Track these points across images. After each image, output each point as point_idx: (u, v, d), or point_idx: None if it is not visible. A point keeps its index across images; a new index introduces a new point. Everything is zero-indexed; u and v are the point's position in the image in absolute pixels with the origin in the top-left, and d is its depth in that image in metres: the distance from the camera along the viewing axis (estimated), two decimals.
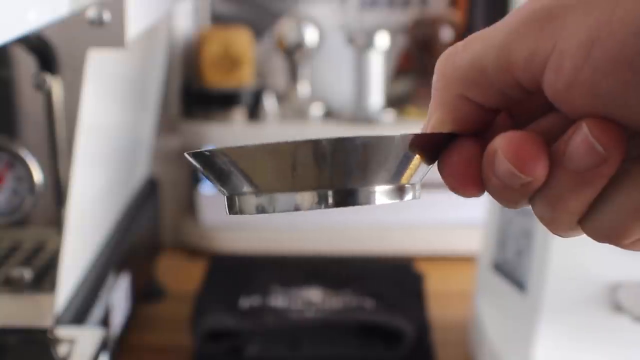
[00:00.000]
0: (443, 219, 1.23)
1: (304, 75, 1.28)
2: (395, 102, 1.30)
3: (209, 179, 0.32)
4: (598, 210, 0.29)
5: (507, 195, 0.30)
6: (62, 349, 0.68)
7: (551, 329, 0.82)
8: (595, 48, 0.26)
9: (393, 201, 0.31)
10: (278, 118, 1.26)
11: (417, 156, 0.31)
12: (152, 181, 1.13)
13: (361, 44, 1.23)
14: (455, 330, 1.02)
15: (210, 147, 0.31)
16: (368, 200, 0.31)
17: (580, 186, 0.28)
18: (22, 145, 0.76)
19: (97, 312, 0.79)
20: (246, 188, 0.31)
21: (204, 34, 1.28)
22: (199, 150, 0.31)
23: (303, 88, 1.28)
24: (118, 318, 0.88)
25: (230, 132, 1.24)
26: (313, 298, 1.00)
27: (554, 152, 0.28)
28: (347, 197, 0.31)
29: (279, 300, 0.99)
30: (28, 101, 0.85)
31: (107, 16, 0.67)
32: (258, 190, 0.31)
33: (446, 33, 1.27)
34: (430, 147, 0.31)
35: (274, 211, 0.31)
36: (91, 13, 0.67)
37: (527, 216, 0.86)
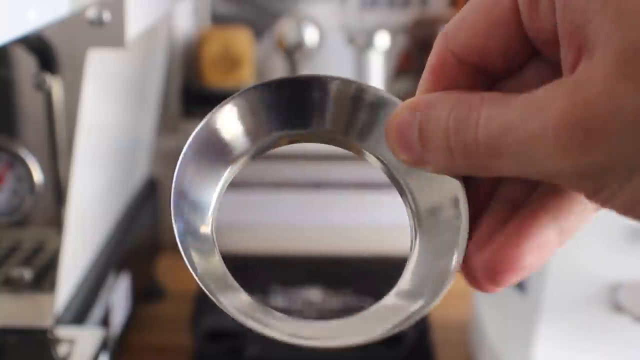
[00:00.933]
0: None
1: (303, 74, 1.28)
2: None
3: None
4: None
5: None
6: (62, 349, 0.68)
7: (551, 329, 0.82)
8: None
9: None
10: None
11: None
12: (152, 181, 1.13)
13: (361, 44, 1.23)
14: (455, 330, 1.02)
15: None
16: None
17: None
18: (22, 145, 0.76)
19: (97, 312, 0.79)
20: None
21: (204, 34, 1.28)
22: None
23: None
24: (118, 318, 0.88)
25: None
26: (313, 298, 1.00)
27: None
28: None
29: (279, 300, 0.99)
30: (28, 101, 0.85)
31: (107, 16, 0.67)
32: None
33: None
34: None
35: None
36: (91, 13, 0.67)
37: None
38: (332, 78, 0.32)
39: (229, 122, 0.32)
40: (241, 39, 1.26)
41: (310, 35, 1.26)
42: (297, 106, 0.32)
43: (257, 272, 1.09)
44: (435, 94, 0.29)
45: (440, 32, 0.31)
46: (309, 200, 1.25)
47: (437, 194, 0.31)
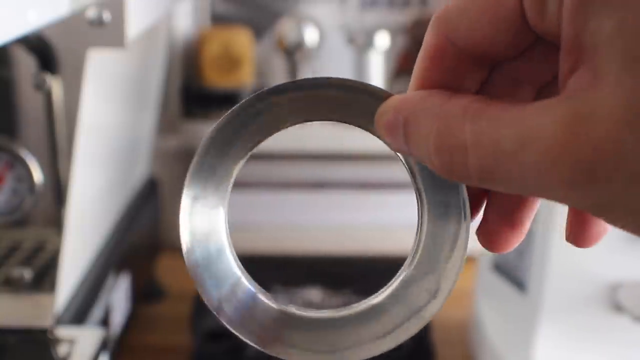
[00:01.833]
0: None
1: (304, 75, 1.28)
2: None
3: None
4: None
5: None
6: (62, 349, 0.68)
7: (551, 329, 0.82)
8: None
9: None
10: None
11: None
12: (152, 181, 1.13)
13: (361, 44, 1.23)
14: (456, 330, 1.02)
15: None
16: None
17: None
18: (22, 145, 0.76)
19: (97, 312, 0.79)
20: None
21: (204, 34, 1.28)
22: None
23: None
24: (118, 318, 0.88)
25: None
26: (313, 298, 1.00)
27: None
28: None
29: (279, 300, 0.99)
30: (28, 101, 0.85)
31: (107, 16, 0.67)
32: None
33: None
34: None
35: None
36: (91, 13, 0.67)
37: None
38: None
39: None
40: (241, 39, 1.26)
41: (310, 35, 1.26)
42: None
43: (258, 272, 1.08)
44: (418, 97, 0.29)
45: (435, 16, 0.30)
46: (310, 200, 1.25)
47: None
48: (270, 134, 0.32)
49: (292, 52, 1.26)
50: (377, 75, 1.25)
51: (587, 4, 0.24)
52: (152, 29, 0.90)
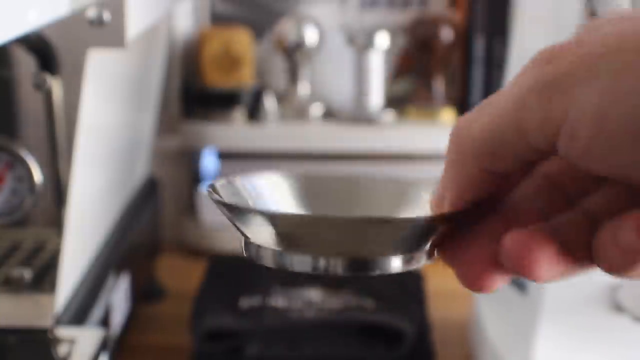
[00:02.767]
0: None
1: (304, 75, 1.28)
2: (395, 102, 1.30)
3: (232, 222, 0.33)
4: None
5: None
6: (62, 349, 0.68)
7: (551, 329, 0.82)
8: (606, 119, 0.26)
9: (405, 269, 0.32)
10: (278, 118, 1.26)
11: (435, 232, 0.32)
12: (152, 181, 1.13)
13: (361, 44, 1.23)
14: (456, 330, 1.02)
15: (245, 204, 0.33)
16: (383, 270, 0.32)
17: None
18: (22, 145, 0.76)
19: (97, 312, 0.79)
20: (272, 245, 0.32)
21: (204, 33, 1.28)
22: (236, 205, 0.33)
23: (303, 88, 1.28)
24: (118, 318, 0.88)
25: (230, 132, 1.24)
26: (313, 298, 1.00)
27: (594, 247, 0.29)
28: (363, 266, 0.32)
29: (279, 300, 0.99)
30: (28, 101, 0.85)
31: (107, 16, 0.67)
32: (283, 251, 0.32)
33: (446, 33, 1.27)
34: (449, 223, 0.32)
35: (292, 269, 0.32)
36: (91, 13, 0.67)
37: None
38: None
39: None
40: (241, 39, 1.26)
41: (310, 35, 1.26)
42: None
43: (257, 272, 1.08)
44: None
45: (460, 134, 0.31)
46: None
47: None
48: None
49: (292, 52, 1.26)
50: (377, 75, 1.25)
51: None
52: (152, 29, 0.90)
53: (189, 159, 1.31)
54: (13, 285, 0.72)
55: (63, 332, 0.69)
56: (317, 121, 1.27)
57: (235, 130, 1.24)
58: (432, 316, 1.01)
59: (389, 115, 1.25)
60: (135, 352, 0.96)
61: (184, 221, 1.28)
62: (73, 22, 0.65)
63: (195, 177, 1.30)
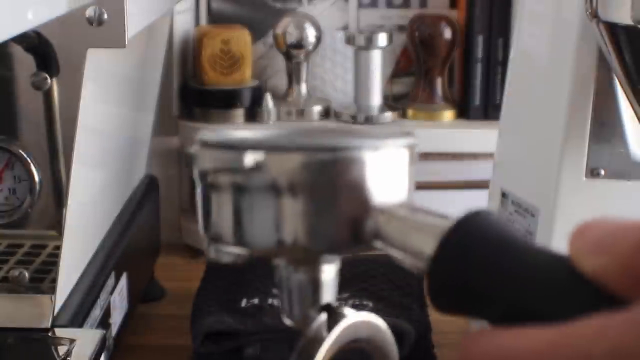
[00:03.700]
0: None
1: (303, 75, 1.28)
2: (395, 102, 1.30)
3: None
4: None
5: None
6: (61, 349, 0.68)
7: None
8: None
9: None
10: (278, 118, 1.26)
11: None
12: (151, 181, 1.12)
13: (361, 44, 1.23)
14: (456, 331, 1.01)
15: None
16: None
17: None
18: (21, 145, 0.76)
19: (96, 313, 0.79)
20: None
21: (203, 33, 1.27)
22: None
23: (303, 88, 1.28)
24: (117, 318, 0.88)
25: (231, 128, 1.24)
26: None
27: None
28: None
29: (279, 300, 0.99)
30: (27, 101, 0.85)
31: (106, 16, 0.67)
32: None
33: (446, 33, 1.27)
34: None
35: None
36: (90, 12, 0.66)
37: (527, 216, 0.86)
38: None
39: None
40: (241, 39, 1.26)
41: (310, 35, 1.26)
42: None
43: (257, 272, 1.08)
44: None
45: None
46: None
47: None
48: None
49: (292, 52, 1.26)
50: (377, 75, 1.24)
51: None
52: (151, 29, 0.90)
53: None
54: (13, 286, 0.72)
55: (62, 332, 0.69)
56: (317, 121, 1.27)
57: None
58: (433, 317, 1.01)
59: (389, 115, 1.25)
60: (134, 352, 0.96)
61: (184, 221, 1.28)
62: (72, 21, 0.65)
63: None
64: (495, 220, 0.30)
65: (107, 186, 0.90)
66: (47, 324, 0.68)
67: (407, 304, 0.99)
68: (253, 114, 1.26)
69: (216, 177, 0.33)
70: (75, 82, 0.70)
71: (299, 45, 1.25)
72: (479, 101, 1.27)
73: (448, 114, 1.27)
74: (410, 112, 1.27)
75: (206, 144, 0.34)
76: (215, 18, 1.32)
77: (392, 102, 1.30)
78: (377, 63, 1.24)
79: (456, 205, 1.22)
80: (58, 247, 0.70)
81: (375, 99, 1.25)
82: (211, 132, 0.35)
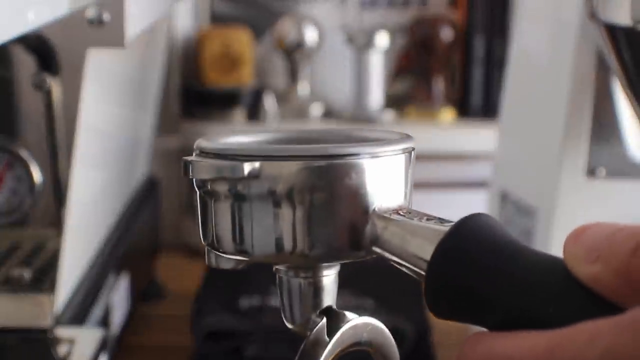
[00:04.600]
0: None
1: (304, 75, 1.28)
2: (395, 102, 1.30)
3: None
4: None
5: None
6: (62, 349, 0.68)
7: None
8: None
9: None
10: (278, 118, 1.26)
11: None
12: (152, 181, 1.12)
13: (361, 44, 1.23)
14: (456, 331, 1.02)
15: None
16: None
17: None
18: (22, 145, 0.76)
19: (97, 312, 0.79)
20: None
21: (204, 33, 1.28)
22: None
23: (303, 88, 1.28)
24: (118, 318, 0.88)
25: (230, 132, 1.24)
26: None
27: None
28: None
29: (279, 300, 0.99)
30: (28, 101, 0.85)
31: (106, 16, 0.67)
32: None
33: (446, 33, 1.27)
34: None
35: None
36: (91, 13, 0.66)
37: (527, 216, 0.86)
38: None
39: None
40: (241, 39, 1.26)
41: (310, 35, 1.26)
42: None
43: (257, 272, 1.08)
44: None
45: None
46: None
47: None
48: None
49: (292, 52, 1.26)
50: (377, 75, 1.25)
51: None
52: (152, 29, 0.90)
53: None
54: (13, 285, 0.72)
55: (63, 332, 0.69)
56: (317, 121, 1.27)
57: (235, 130, 1.24)
58: (433, 317, 1.01)
59: (389, 115, 1.25)
60: (135, 352, 0.96)
61: (184, 221, 1.28)
62: (73, 22, 0.65)
63: None
64: (492, 224, 0.30)
65: (108, 186, 0.90)
66: (48, 323, 0.68)
67: (407, 303, 0.99)
68: (253, 114, 1.26)
69: (214, 186, 0.33)
70: (75, 82, 0.70)
71: (299, 45, 1.26)
72: (478, 101, 1.27)
73: (448, 114, 1.27)
74: (410, 112, 1.27)
75: (204, 152, 0.34)
76: (216, 19, 1.33)
77: (392, 102, 1.30)
78: (377, 63, 1.24)
79: (456, 205, 1.23)
80: (58, 247, 0.71)
81: (375, 99, 1.25)
82: (208, 140, 0.35)
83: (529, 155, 0.86)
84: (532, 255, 0.29)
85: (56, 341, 0.68)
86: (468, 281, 0.29)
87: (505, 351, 0.27)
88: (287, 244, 0.33)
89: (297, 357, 0.34)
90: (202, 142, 0.35)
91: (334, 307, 0.36)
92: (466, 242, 0.30)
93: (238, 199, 0.33)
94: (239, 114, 1.25)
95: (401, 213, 0.33)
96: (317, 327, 0.35)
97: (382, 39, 1.23)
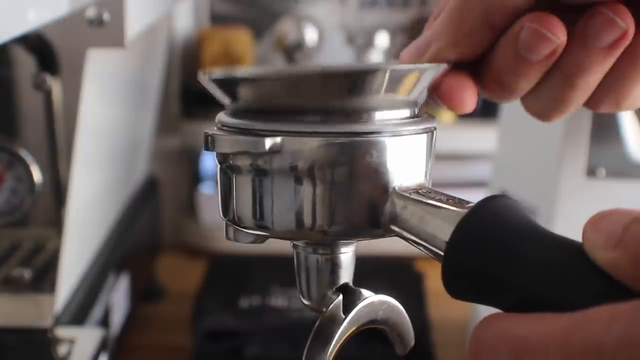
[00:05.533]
0: None
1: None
2: None
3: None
4: (607, 81, 0.34)
5: (523, 71, 0.34)
6: (62, 349, 0.68)
7: None
8: None
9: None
10: None
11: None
12: (152, 181, 1.13)
13: (361, 44, 1.23)
14: (455, 330, 1.02)
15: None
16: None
17: (601, 61, 0.33)
18: (22, 145, 0.76)
19: (97, 312, 0.79)
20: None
21: (204, 33, 1.28)
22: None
23: None
24: (118, 318, 0.88)
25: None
26: None
27: (575, 34, 0.33)
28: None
29: (279, 300, 0.99)
30: (28, 101, 0.85)
31: (106, 16, 0.67)
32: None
33: None
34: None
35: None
36: (91, 13, 0.67)
37: None
38: None
39: None
40: (241, 39, 1.26)
41: (310, 35, 1.26)
42: None
43: (257, 272, 1.08)
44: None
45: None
46: None
47: None
48: None
49: (292, 52, 1.26)
50: None
51: None
52: (151, 29, 0.90)
53: (189, 159, 1.31)
54: (13, 285, 0.72)
55: (63, 332, 0.69)
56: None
57: None
58: (432, 316, 1.01)
59: None
60: (135, 352, 0.96)
61: (184, 221, 1.28)
62: (73, 22, 0.65)
63: (195, 177, 1.30)
64: (512, 206, 0.30)
65: (108, 186, 0.90)
66: (48, 323, 0.68)
67: (406, 303, 0.99)
68: None
69: (236, 160, 0.33)
70: (75, 82, 0.70)
71: (299, 45, 1.26)
72: (478, 101, 1.27)
73: (448, 114, 1.27)
74: None
75: (226, 126, 0.34)
76: (216, 19, 1.33)
77: None
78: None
79: None
80: (58, 247, 0.71)
81: None
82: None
83: (528, 155, 0.86)
84: (551, 238, 0.29)
85: (56, 341, 0.68)
86: (486, 263, 0.29)
87: (521, 332, 0.27)
88: (307, 220, 0.33)
89: (312, 333, 0.34)
90: (222, 117, 0.35)
91: (351, 284, 0.36)
92: (485, 224, 0.30)
93: (259, 174, 0.33)
94: None
95: (421, 192, 0.33)
96: (333, 304, 0.35)
97: (382, 39, 1.23)
